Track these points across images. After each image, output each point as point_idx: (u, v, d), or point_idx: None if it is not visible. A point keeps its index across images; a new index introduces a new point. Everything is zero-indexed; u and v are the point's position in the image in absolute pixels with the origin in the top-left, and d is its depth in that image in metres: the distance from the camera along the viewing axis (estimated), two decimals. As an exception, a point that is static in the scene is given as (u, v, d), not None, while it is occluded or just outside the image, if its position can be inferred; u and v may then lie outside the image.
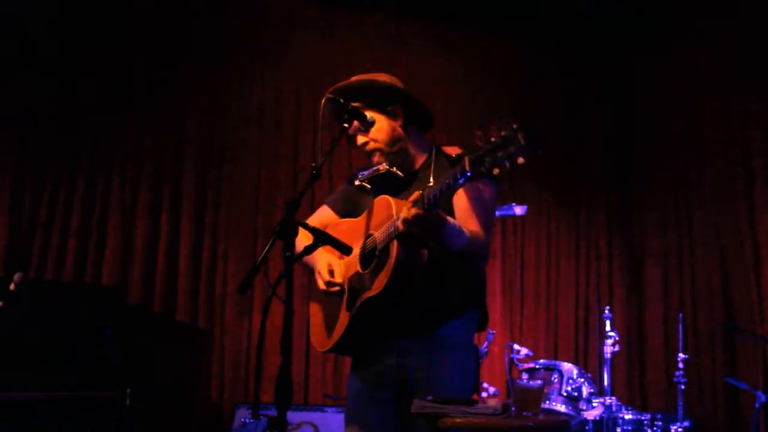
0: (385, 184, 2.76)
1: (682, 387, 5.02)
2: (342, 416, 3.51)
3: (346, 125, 2.65)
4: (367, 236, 2.60)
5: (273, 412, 2.25)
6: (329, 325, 2.76)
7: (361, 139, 2.75)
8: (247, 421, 5.12)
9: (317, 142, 6.02)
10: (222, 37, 6.24)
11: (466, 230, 2.49)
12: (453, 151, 2.63)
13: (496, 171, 2.03)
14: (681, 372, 5.01)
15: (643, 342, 6.42)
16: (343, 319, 2.65)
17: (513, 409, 2.30)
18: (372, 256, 2.54)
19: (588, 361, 6.36)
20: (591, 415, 4.90)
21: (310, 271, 2.80)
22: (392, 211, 2.46)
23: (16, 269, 4.53)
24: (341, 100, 2.65)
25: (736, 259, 5.92)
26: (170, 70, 6.09)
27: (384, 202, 2.55)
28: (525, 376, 5.05)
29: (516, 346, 5.28)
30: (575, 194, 6.77)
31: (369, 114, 2.71)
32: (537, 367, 5.08)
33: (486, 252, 2.65)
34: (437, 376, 2.55)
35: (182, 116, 6.09)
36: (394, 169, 2.75)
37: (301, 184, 5.95)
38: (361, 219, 2.71)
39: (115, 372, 4.58)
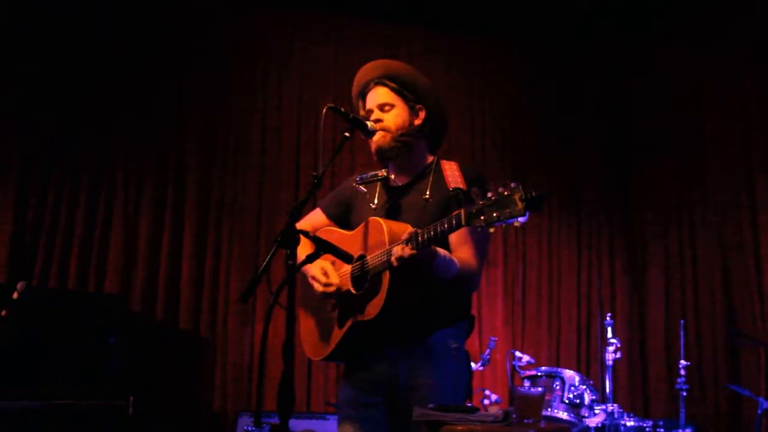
0: (380, 192, 2.82)
1: (684, 393, 5.02)
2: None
3: (347, 134, 2.67)
4: (361, 256, 2.62)
5: (275, 420, 2.26)
6: (322, 335, 2.79)
7: (376, 115, 2.76)
8: (250, 429, 5.12)
9: (318, 150, 6.10)
10: (225, 43, 6.28)
11: (457, 260, 2.53)
12: (450, 167, 2.70)
13: (491, 230, 2.11)
14: (683, 378, 5.01)
15: (645, 349, 6.42)
16: (336, 334, 2.69)
17: (514, 416, 2.30)
18: (364, 279, 2.57)
19: (590, 368, 6.35)
20: (593, 422, 4.90)
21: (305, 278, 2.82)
22: (384, 237, 2.50)
23: (19, 278, 4.56)
24: (342, 110, 2.67)
25: (739, 264, 5.93)
26: (172, 78, 6.11)
27: (376, 225, 2.58)
28: (527, 383, 5.05)
29: (518, 353, 5.29)
30: (576, 198, 6.78)
31: (394, 99, 2.76)
32: (539, 374, 5.08)
33: (476, 280, 2.69)
34: (428, 382, 2.57)
35: (184, 124, 6.11)
36: (393, 177, 2.81)
37: (303, 192, 5.99)
38: (354, 234, 2.73)
39: (117, 380, 4.59)
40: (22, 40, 5.77)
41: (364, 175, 2.86)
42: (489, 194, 2.11)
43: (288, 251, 2.31)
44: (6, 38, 5.73)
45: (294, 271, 2.31)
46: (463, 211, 2.19)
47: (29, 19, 5.79)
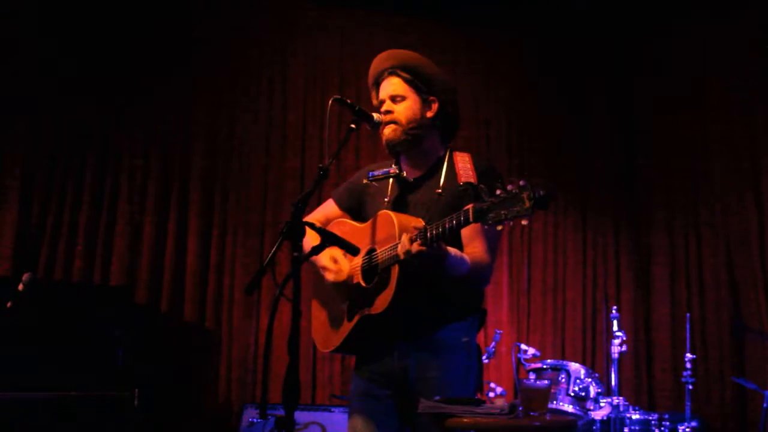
0: (393, 186, 2.80)
1: (690, 387, 5.02)
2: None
3: (353, 126, 2.66)
4: (371, 250, 2.61)
5: (280, 412, 2.25)
6: (332, 327, 2.79)
7: (387, 106, 2.73)
8: (255, 420, 5.13)
9: (324, 142, 6.09)
10: (229, 34, 6.25)
11: (468, 257, 2.52)
12: (462, 159, 2.69)
13: (499, 228, 2.11)
14: (689, 372, 5.01)
15: (650, 342, 6.41)
16: (346, 326, 2.69)
17: (520, 409, 2.30)
18: (374, 273, 2.56)
19: (595, 361, 6.34)
20: (598, 415, 4.90)
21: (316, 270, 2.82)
22: (394, 230, 2.49)
23: (24, 269, 4.56)
24: (348, 102, 2.66)
25: (744, 258, 5.91)
26: (177, 72, 6.10)
27: (387, 219, 2.57)
28: (532, 375, 5.05)
29: (523, 346, 5.28)
30: (582, 193, 6.76)
31: (406, 90, 2.72)
32: (544, 366, 5.08)
33: (488, 275, 2.66)
34: (437, 376, 2.56)
35: (189, 116, 6.10)
36: (404, 174, 2.79)
37: (308, 184, 5.97)
38: (365, 227, 2.72)
39: (122, 372, 4.60)
40: (25, 35, 5.76)
41: (375, 172, 2.84)
42: (498, 191, 2.11)
43: (293, 243, 2.31)
44: (7, 34, 5.72)
45: (299, 263, 2.30)
46: (471, 208, 2.19)
47: (31, 16, 5.77)
